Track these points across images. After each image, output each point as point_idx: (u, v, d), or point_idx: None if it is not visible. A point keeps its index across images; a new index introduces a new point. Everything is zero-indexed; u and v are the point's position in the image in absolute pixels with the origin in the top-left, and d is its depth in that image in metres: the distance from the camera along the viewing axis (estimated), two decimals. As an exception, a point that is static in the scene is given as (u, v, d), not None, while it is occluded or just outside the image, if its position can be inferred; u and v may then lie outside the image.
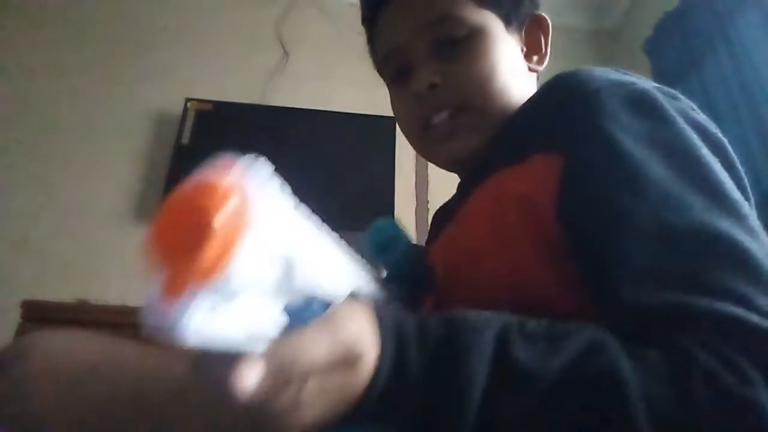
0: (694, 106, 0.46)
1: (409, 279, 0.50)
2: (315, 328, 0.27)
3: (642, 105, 0.42)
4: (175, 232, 0.24)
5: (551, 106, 0.48)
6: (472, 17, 0.55)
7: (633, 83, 0.44)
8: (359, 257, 0.38)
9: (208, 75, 2.06)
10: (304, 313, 0.27)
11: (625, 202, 0.37)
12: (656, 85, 0.45)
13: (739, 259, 0.33)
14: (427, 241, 0.68)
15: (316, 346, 0.26)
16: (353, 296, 0.33)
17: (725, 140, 0.44)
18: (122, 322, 1.28)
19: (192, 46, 2.10)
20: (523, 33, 0.60)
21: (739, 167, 0.43)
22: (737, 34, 1.66)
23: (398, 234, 0.50)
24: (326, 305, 0.29)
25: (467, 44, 0.54)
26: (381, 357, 0.28)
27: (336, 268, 0.32)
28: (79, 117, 1.93)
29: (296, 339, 0.26)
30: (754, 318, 0.29)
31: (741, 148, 0.47)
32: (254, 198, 0.24)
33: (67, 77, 1.97)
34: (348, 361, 0.27)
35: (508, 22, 0.57)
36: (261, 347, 0.25)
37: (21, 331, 1.21)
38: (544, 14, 0.63)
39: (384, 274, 0.51)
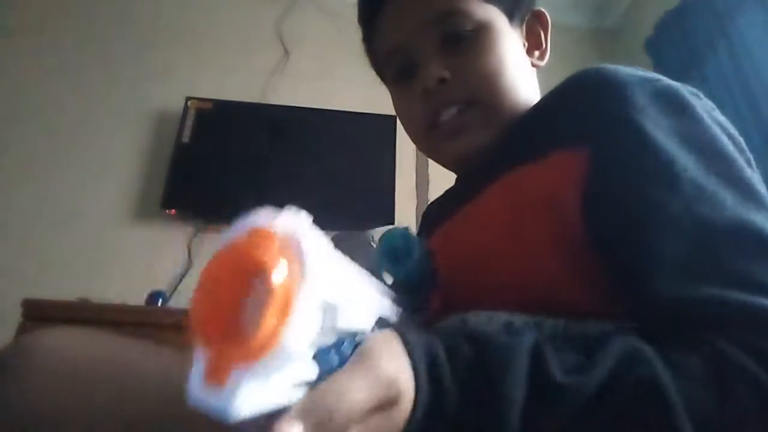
0: (714, 107, 0.46)
1: (421, 286, 0.50)
2: (351, 370, 0.25)
3: (670, 101, 0.42)
4: (222, 296, 0.21)
5: (575, 100, 0.47)
6: (478, 12, 0.54)
7: (659, 79, 0.44)
8: (379, 282, 0.37)
9: (209, 74, 2.05)
10: (335, 353, 0.25)
11: (658, 194, 0.38)
12: (679, 83, 0.45)
13: None
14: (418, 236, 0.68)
15: (355, 392, 0.24)
16: (380, 325, 0.31)
17: (742, 140, 0.44)
18: (123, 320, 1.28)
19: (192, 45, 2.10)
20: (524, 28, 0.60)
21: (755, 168, 0.43)
22: (738, 32, 1.66)
23: (411, 243, 0.49)
24: (355, 342, 0.27)
25: (474, 39, 0.54)
26: (418, 392, 0.27)
27: (368, 303, 0.30)
28: (79, 116, 1.92)
29: (334, 386, 0.24)
30: None
31: (742, 146, 0.48)
32: (309, 248, 0.22)
33: (68, 76, 1.97)
34: (389, 402, 0.25)
35: (510, 16, 0.57)
36: (298, 399, 0.22)
37: (22, 330, 1.21)
38: (543, 9, 0.62)
39: (393, 283, 0.50)
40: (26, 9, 2.04)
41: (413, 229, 0.52)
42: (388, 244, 0.50)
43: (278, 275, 0.20)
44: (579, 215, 0.41)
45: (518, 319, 0.41)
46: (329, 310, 0.24)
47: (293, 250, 0.22)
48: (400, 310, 0.46)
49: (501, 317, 0.42)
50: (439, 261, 0.53)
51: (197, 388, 0.21)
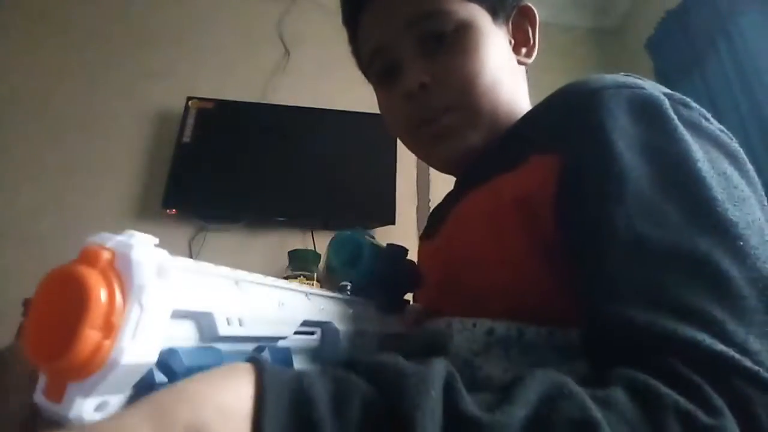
0: (709, 116, 0.44)
1: (387, 282, 0.50)
2: (139, 406, 0.20)
3: (643, 109, 0.40)
4: (50, 315, 0.22)
5: (556, 110, 0.47)
6: (459, 11, 0.53)
7: (639, 86, 0.42)
8: (313, 288, 0.38)
9: (210, 73, 2.06)
10: (180, 361, 0.24)
11: (605, 206, 0.36)
12: (667, 91, 0.43)
13: (713, 281, 0.31)
14: (422, 238, 0.68)
15: None
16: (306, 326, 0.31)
17: (741, 151, 0.42)
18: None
19: (193, 45, 2.10)
20: (510, 25, 0.59)
21: (756, 179, 0.41)
22: (739, 31, 1.66)
23: (361, 244, 0.49)
24: (267, 346, 0.28)
25: (455, 39, 0.53)
26: None
27: (283, 309, 0.31)
28: (80, 116, 1.93)
29: (104, 426, 0.19)
30: (718, 345, 0.28)
31: (743, 146, 0.46)
32: (139, 264, 0.22)
33: (68, 76, 1.97)
34: None
35: (494, 14, 0.56)
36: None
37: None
38: (530, 4, 0.61)
39: (353, 285, 0.51)
40: (27, 7, 2.05)
41: (363, 232, 0.52)
42: (338, 250, 0.50)
43: (95, 291, 0.21)
44: (552, 218, 0.41)
45: (500, 326, 0.41)
46: (203, 319, 0.25)
47: (122, 268, 0.22)
48: (372, 310, 0.46)
49: (484, 324, 0.42)
50: (435, 268, 0.53)
51: (42, 402, 0.22)
